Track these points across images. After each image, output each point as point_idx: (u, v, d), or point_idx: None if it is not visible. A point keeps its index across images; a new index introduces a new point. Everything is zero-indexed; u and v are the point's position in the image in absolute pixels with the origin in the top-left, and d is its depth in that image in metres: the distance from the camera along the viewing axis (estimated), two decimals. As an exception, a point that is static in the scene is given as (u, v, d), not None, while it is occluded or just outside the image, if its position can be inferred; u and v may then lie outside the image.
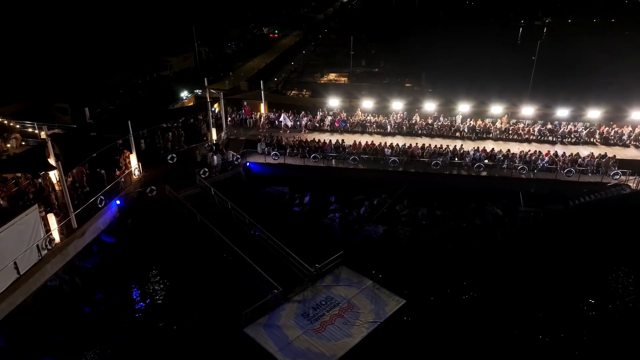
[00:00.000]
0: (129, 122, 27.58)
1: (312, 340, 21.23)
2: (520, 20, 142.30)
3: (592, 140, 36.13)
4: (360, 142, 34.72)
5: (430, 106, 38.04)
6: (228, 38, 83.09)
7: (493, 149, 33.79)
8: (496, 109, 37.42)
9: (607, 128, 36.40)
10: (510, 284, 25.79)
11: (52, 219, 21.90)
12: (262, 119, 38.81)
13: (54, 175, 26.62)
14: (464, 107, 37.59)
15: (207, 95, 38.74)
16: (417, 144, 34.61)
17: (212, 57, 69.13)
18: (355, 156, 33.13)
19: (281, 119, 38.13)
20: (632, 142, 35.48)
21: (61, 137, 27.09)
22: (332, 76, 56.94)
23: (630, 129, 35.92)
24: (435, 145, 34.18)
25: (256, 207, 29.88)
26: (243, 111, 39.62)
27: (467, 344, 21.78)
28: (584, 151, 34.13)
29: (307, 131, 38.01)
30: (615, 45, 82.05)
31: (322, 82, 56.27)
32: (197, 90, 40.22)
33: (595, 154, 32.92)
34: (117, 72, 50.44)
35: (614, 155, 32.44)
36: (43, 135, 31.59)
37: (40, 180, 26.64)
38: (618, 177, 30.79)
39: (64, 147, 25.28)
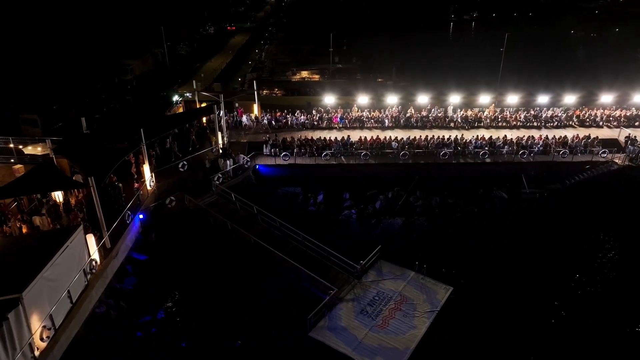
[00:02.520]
0: (142, 130, 25.75)
1: (380, 336, 21.29)
2: (451, 15, 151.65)
3: (570, 123, 39.30)
4: (366, 138, 35.07)
5: (423, 99, 39.22)
6: (179, 39, 79.62)
7: (491, 136, 35.64)
8: (484, 98, 39.45)
9: (581, 112, 39.79)
10: (532, 262, 27.55)
11: (91, 240, 19.93)
12: (258, 120, 37.86)
13: (59, 193, 24.28)
14: (454, 99, 39.19)
15: (196, 99, 37.37)
16: (420, 136, 35.62)
17: (167, 58, 65.89)
18: (366, 151, 33.40)
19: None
20: (605, 123, 39.08)
21: (68, 150, 24.62)
22: (304, 74, 56.62)
23: (601, 111, 39.55)
24: (440, 136, 35.37)
25: (272, 210, 29.21)
26: (236, 113, 38.37)
27: (517, 326, 22.97)
28: (566, 133, 37.01)
29: (304, 129, 37.70)
30: (539, 35, 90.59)
31: (295, 80, 55.81)
32: (187, 94, 38.30)
33: (579, 136, 35.85)
34: (79, 77, 46.51)
35: (597, 136, 35.56)
36: (34, 150, 28.55)
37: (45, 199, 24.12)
38: (605, 155, 33.82)
39: (77, 161, 23.27)
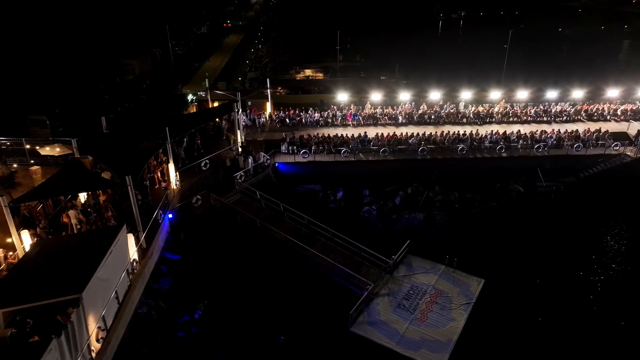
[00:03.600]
0: (167, 129, 25.41)
1: (421, 329, 21.39)
2: (440, 14, 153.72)
3: (578, 117, 40.02)
4: (382, 134, 35.19)
5: (435, 95, 39.55)
6: (176, 38, 78.70)
7: (505, 131, 36.08)
8: (495, 94, 39.93)
9: (589, 106, 40.56)
10: (554, 254, 28.02)
11: (131, 239, 19.59)
12: (272, 119, 37.72)
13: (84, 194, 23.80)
14: (465, 95, 39.59)
15: (209, 98, 37.10)
16: (435, 132, 35.89)
17: (171, 58, 65.20)
18: (386, 148, 33.51)
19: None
20: (612, 117, 39.90)
21: (95, 150, 24.17)
22: (308, 72, 56.53)
23: (608, 105, 40.37)
24: (455, 132, 35.68)
25: (293, 207, 29.10)
26: (249, 111, 38.11)
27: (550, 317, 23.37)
28: (575, 127, 37.65)
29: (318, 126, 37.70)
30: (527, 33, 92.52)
31: (299, 78, 55.70)
32: (201, 93, 37.89)
33: (590, 129, 36.52)
34: (81, 78, 45.65)
35: (607, 130, 36.28)
36: (52, 151, 27.91)
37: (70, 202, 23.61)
38: (617, 147, 34.53)
39: (108, 161, 22.90)
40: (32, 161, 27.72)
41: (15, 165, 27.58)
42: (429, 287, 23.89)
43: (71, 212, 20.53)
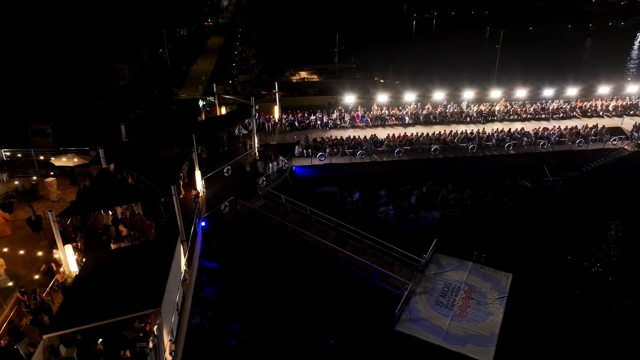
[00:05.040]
0: (194, 135, 25.16)
1: (463, 324, 22.06)
2: (413, 14, 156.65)
3: (573, 114, 41.81)
4: (394, 135, 35.80)
5: (439, 95, 40.53)
6: (160, 41, 77.09)
7: (510, 129, 37.33)
8: (495, 93, 41.24)
9: (583, 103, 42.43)
10: (572, 246, 29.36)
11: (180, 249, 19.35)
12: (282, 122, 37.74)
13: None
14: (468, 94, 40.72)
15: (217, 103, 36.87)
16: (444, 131, 36.78)
17: (168, 61, 63.89)
18: (400, 148, 34.12)
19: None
20: (605, 113, 41.88)
21: (125, 160, 23.71)
22: (303, 74, 56.62)
23: (600, 101, 42.35)
24: (463, 131, 36.66)
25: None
26: (258, 115, 37.94)
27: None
28: (572, 123, 39.32)
29: (327, 129, 37.98)
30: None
31: (295, 80, 55.71)
32: (210, 98, 37.44)
33: (588, 125, 38.25)
34: (75, 85, 44.29)
35: (604, 125, 38.07)
36: (69, 162, 27.08)
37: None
38: (616, 142, 36.31)
39: (141, 171, 22.55)
40: (51, 173, 26.82)
41: (34, 178, 26.64)
42: (462, 284, 24.62)
43: (120, 226, 20.11)
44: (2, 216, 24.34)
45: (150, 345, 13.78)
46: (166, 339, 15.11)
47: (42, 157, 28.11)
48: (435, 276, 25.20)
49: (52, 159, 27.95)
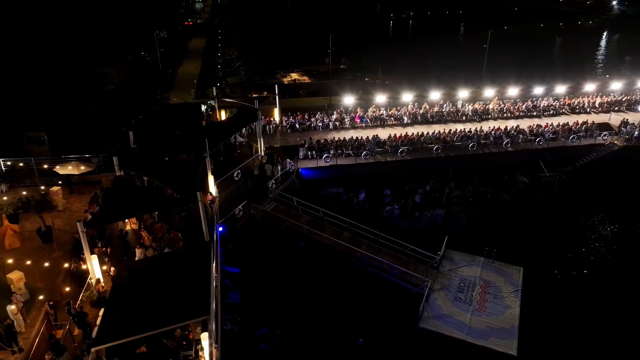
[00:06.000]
0: (206, 140, 25.02)
1: (483, 318, 22.66)
2: (390, 14, 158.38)
3: (562, 111, 43.30)
4: (395, 135, 36.32)
5: (435, 95, 41.33)
6: (142, 44, 75.74)
7: (506, 127, 38.38)
8: (489, 92, 42.33)
9: (571, 100, 43.98)
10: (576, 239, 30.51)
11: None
12: (283, 124, 37.76)
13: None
14: (463, 94, 41.66)
15: (216, 106, 36.63)
16: (443, 130, 37.54)
17: (159, 65, 62.79)
18: (403, 148, 34.64)
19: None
20: (591, 110, 43.53)
21: (142, 166, 23.36)
22: (294, 75, 56.67)
23: (587, 98, 44.01)
24: (461, 129, 37.49)
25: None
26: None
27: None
28: (562, 120, 40.74)
29: (328, 130, 38.24)
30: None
31: (286, 82, 55.71)
32: (211, 102, 37.07)
33: (578, 122, 39.69)
34: (65, 90, 43.11)
35: (593, 121, 39.59)
36: (75, 170, 26.45)
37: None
38: (606, 137, 37.81)
39: (161, 178, 22.31)
40: (59, 182, 26.14)
41: (42, 187, 25.90)
42: (477, 279, 25.25)
43: (143, 232, 19.85)
44: (11, 228, 23.67)
45: (200, 353, 13.70)
46: (212, 346, 15.04)
47: (45, 166, 27.36)
48: (450, 272, 25.76)
49: (58, 167, 27.26)
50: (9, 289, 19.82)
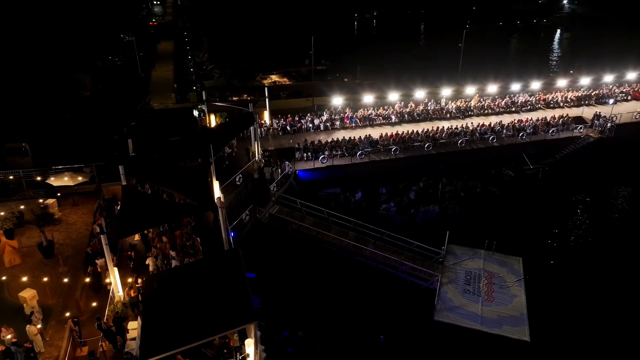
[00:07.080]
0: (211, 146, 24.76)
1: (493, 308, 23.58)
2: (354, 14, 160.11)
3: (538, 106, 45.36)
4: (387, 134, 37.01)
5: (420, 94, 42.39)
6: (111, 48, 73.29)
7: (490, 122, 39.86)
8: (470, 89, 43.79)
9: (545, 95, 46.14)
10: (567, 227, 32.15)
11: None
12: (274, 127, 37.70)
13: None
14: (446, 92, 42.92)
15: (206, 110, 36.20)
16: (432, 127, 38.55)
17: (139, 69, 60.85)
18: (396, 147, 35.35)
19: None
20: (565, 104, 45.81)
21: (153, 175, 22.84)
22: (274, 77, 56.50)
23: (560, 93, 46.28)
24: (449, 126, 38.61)
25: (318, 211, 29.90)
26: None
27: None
28: (538, 115, 42.66)
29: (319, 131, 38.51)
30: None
31: (267, 84, 55.47)
32: (202, 106, 36.42)
33: (555, 116, 41.71)
34: (39, 98, 41.21)
35: (568, 115, 41.71)
36: (73, 180, 25.56)
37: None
38: (582, 130, 39.94)
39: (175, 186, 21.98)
40: (58, 194, 25.14)
41: (41, 200, 24.83)
42: (481, 271, 26.20)
43: (164, 238, 19.45)
44: (10, 244, 22.69)
45: None
46: (259, 353, 15.07)
47: (39, 178, 26.25)
48: (455, 266, 26.60)
49: (52, 178, 26.25)
50: (18, 308, 19.12)
